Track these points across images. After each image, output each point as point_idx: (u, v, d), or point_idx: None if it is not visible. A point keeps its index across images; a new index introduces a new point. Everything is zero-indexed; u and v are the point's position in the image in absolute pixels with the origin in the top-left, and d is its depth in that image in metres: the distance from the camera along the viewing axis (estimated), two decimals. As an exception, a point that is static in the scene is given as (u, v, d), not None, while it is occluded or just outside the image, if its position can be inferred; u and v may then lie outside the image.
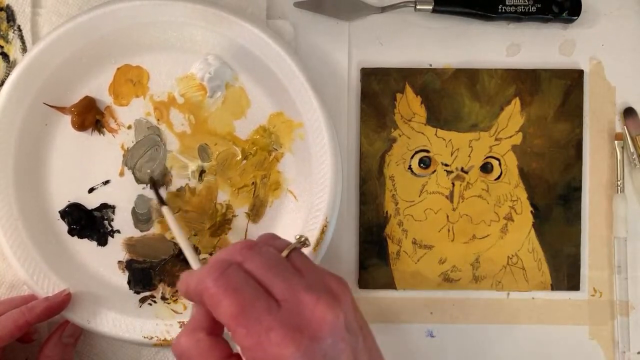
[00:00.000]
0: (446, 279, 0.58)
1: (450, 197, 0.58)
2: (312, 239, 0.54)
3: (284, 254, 0.42)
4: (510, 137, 0.57)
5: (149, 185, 0.56)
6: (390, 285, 0.58)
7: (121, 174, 0.56)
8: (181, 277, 0.43)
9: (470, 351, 0.58)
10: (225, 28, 0.54)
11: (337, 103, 0.58)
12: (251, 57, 0.55)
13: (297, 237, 0.44)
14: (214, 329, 0.41)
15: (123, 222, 0.56)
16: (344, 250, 0.58)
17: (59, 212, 0.56)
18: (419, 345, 0.58)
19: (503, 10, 0.56)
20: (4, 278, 0.56)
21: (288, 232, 0.55)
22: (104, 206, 0.56)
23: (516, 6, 0.56)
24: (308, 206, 0.55)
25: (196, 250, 0.56)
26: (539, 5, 0.56)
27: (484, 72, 0.57)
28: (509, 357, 0.59)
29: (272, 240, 0.45)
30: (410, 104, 0.57)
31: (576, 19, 0.56)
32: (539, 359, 0.59)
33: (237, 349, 0.40)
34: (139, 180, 0.56)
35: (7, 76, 0.54)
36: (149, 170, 0.56)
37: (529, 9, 0.56)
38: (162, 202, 0.55)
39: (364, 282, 0.58)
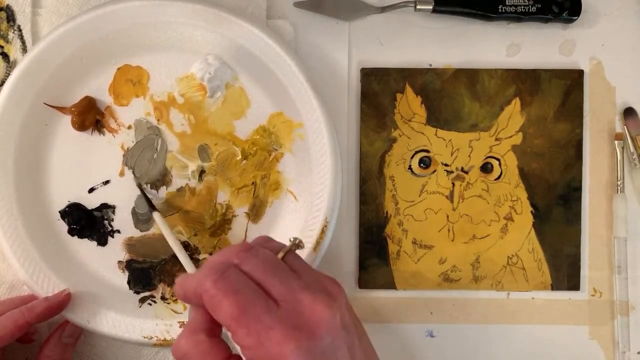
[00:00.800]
0: (446, 279, 0.58)
1: (450, 197, 0.58)
2: (312, 239, 0.54)
3: (280, 255, 0.43)
4: (510, 137, 0.57)
5: (139, 190, 0.56)
6: (390, 285, 0.58)
7: (121, 174, 0.56)
8: (177, 281, 0.43)
9: (470, 351, 0.58)
10: (225, 28, 0.54)
11: (337, 103, 0.58)
12: (251, 57, 0.55)
13: (292, 239, 0.45)
14: (213, 330, 0.41)
15: (123, 222, 0.56)
16: (344, 250, 0.58)
17: (59, 212, 0.56)
18: (419, 345, 0.58)
19: (503, 10, 0.56)
20: (4, 278, 0.56)
21: (288, 232, 0.55)
22: (104, 206, 0.56)
23: (516, 6, 0.56)
24: (308, 206, 0.55)
25: (196, 251, 0.56)
26: (539, 5, 0.56)
27: (484, 72, 0.57)
28: (509, 357, 0.59)
29: (266, 242, 0.45)
30: (410, 104, 0.57)
31: (576, 19, 0.56)
32: (539, 359, 0.59)
33: (236, 349, 0.40)
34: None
35: (7, 76, 0.54)
36: (138, 175, 0.56)
37: (529, 9, 0.56)
38: (152, 207, 0.55)
39: (364, 282, 0.58)
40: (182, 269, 0.56)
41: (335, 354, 0.39)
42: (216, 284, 0.39)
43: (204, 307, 0.40)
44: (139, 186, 0.56)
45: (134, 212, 0.56)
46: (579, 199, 0.58)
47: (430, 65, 0.58)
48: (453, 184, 0.58)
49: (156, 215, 0.54)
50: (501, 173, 0.58)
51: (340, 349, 0.39)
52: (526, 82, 0.57)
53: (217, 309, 0.39)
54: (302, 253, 0.53)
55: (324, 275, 0.43)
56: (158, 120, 0.56)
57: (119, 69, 0.56)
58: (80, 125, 0.55)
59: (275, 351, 0.37)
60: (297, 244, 0.44)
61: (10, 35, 0.56)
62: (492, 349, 0.58)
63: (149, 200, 0.55)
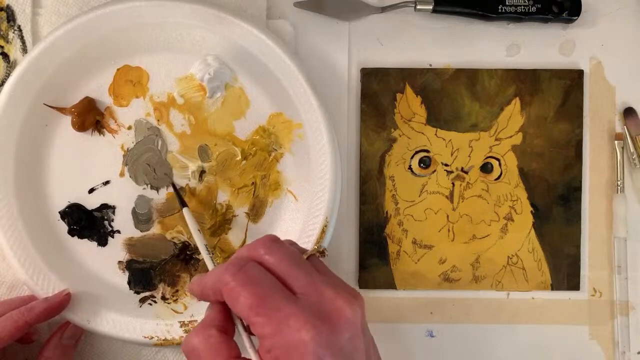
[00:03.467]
0: (446, 279, 0.58)
1: (450, 197, 0.58)
2: (312, 239, 0.54)
3: (304, 256, 0.43)
4: (510, 137, 0.57)
5: (171, 187, 0.56)
6: (390, 285, 0.58)
7: (121, 174, 0.56)
8: (193, 280, 0.43)
9: (470, 351, 0.58)
10: (225, 29, 0.54)
11: (337, 103, 0.58)
12: (251, 58, 0.55)
13: (316, 246, 0.45)
14: (226, 327, 0.41)
15: (123, 223, 0.56)
16: (344, 250, 0.58)
17: (59, 212, 0.56)
18: (419, 345, 0.59)
19: (503, 10, 0.56)
20: (4, 278, 0.56)
21: (289, 232, 0.55)
22: (104, 206, 0.56)
23: (516, 6, 0.56)
24: (308, 206, 0.55)
25: (196, 251, 0.56)
26: (539, 5, 0.56)
27: (484, 72, 0.57)
28: (509, 357, 0.59)
29: (291, 244, 0.45)
30: (410, 104, 0.57)
31: (576, 19, 0.56)
32: (539, 359, 0.59)
33: (249, 355, 0.40)
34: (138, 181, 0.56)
35: (8, 77, 0.54)
36: (164, 174, 0.57)
37: (529, 9, 0.56)
38: (183, 203, 0.54)
39: (364, 282, 0.58)
40: (182, 269, 0.56)
41: (352, 354, 0.38)
42: (235, 277, 0.39)
43: (220, 304, 0.41)
44: (173, 184, 0.56)
45: (134, 213, 0.56)
46: (579, 199, 0.58)
47: (430, 65, 0.58)
48: (453, 184, 0.58)
49: (185, 212, 0.54)
50: (501, 173, 0.58)
51: (358, 350, 0.39)
52: (526, 82, 0.57)
53: (236, 301, 0.39)
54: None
55: (345, 282, 0.43)
56: (158, 120, 0.56)
57: (118, 69, 0.56)
58: (80, 125, 0.55)
59: (294, 338, 0.37)
60: (322, 251, 0.44)
61: (11, 35, 0.56)
62: (492, 349, 0.59)
63: (180, 196, 0.55)
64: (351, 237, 0.58)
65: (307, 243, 0.54)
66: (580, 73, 0.58)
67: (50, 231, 0.56)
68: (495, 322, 0.58)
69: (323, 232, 0.54)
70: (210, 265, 0.49)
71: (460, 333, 0.58)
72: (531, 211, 0.58)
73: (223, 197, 0.57)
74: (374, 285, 0.58)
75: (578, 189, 0.58)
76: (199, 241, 0.51)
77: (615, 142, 0.58)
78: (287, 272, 0.40)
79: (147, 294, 0.56)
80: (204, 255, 0.50)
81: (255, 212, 0.57)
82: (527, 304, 0.59)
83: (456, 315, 0.58)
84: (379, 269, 0.58)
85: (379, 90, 0.57)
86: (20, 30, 0.56)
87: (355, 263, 0.58)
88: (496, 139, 0.57)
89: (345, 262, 0.58)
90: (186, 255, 0.56)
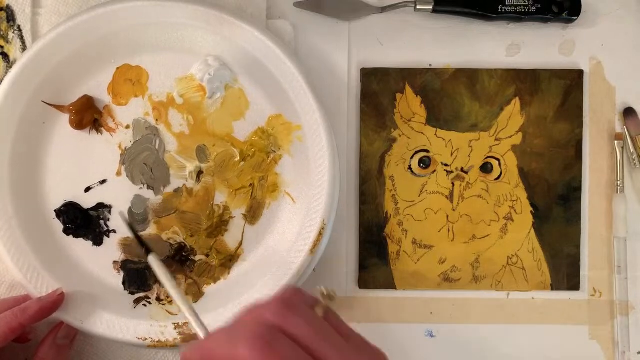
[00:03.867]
0: (446, 279, 0.58)
1: (450, 197, 0.57)
2: (310, 241, 0.53)
3: (320, 313, 0.38)
4: (510, 137, 0.57)
5: (129, 229, 0.52)
6: (390, 285, 0.58)
7: (118, 173, 0.56)
8: (189, 347, 0.37)
9: (470, 351, 0.58)
10: (226, 30, 0.54)
11: (336, 103, 0.58)
12: (251, 59, 0.55)
13: (323, 292, 0.39)
14: None
15: (119, 222, 0.56)
16: (344, 250, 0.58)
17: (55, 211, 0.56)
18: (419, 345, 0.58)
19: (503, 10, 0.56)
20: (3, 278, 0.56)
21: (285, 234, 0.55)
22: (100, 206, 0.56)
23: (516, 6, 0.56)
24: (305, 208, 0.55)
25: (192, 252, 0.56)
26: (539, 5, 0.56)
27: (484, 72, 0.57)
28: (509, 357, 0.58)
29: (299, 295, 0.40)
30: (410, 104, 0.57)
31: (576, 19, 0.57)
32: (539, 359, 0.58)
33: None
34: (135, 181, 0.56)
35: (7, 75, 0.54)
36: (126, 214, 0.55)
37: (529, 9, 0.56)
38: (147, 250, 0.49)
39: (364, 282, 0.57)
40: (177, 270, 0.56)
41: None
42: (263, 354, 0.32)
43: None
44: (130, 226, 0.52)
45: (130, 212, 0.56)
46: (579, 199, 0.58)
47: (430, 65, 0.58)
48: (453, 184, 0.57)
49: (151, 259, 0.48)
50: (501, 173, 0.58)
51: None
52: (526, 82, 0.57)
53: None
54: (300, 255, 0.54)
55: (365, 339, 0.39)
56: (156, 120, 0.56)
57: (118, 68, 0.56)
58: (78, 124, 0.55)
59: None
60: (331, 297, 0.39)
61: (10, 35, 0.56)
62: (492, 349, 0.58)
63: (141, 241, 0.50)
64: (351, 237, 0.58)
65: (304, 245, 0.54)
66: (580, 73, 0.58)
67: (46, 230, 0.55)
68: (495, 322, 0.58)
69: (320, 234, 0.54)
70: (200, 332, 0.43)
71: (460, 333, 0.58)
72: (531, 211, 0.58)
73: (220, 198, 0.56)
74: (373, 285, 0.58)
75: (578, 189, 0.58)
76: (178, 297, 0.45)
77: (615, 142, 0.58)
78: (315, 347, 0.35)
79: (142, 294, 0.56)
80: (188, 316, 0.43)
81: (253, 214, 0.56)
82: (527, 304, 0.58)
83: (456, 315, 0.58)
84: (379, 269, 0.57)
85: (379, 90, 0.57)
86: (20, 30, 0.56)
87: (355, 263, 0.58)
88: (496, 139, 0.57)
89: (345, 262, 0.58)
90: (182, 257, 0.56)
